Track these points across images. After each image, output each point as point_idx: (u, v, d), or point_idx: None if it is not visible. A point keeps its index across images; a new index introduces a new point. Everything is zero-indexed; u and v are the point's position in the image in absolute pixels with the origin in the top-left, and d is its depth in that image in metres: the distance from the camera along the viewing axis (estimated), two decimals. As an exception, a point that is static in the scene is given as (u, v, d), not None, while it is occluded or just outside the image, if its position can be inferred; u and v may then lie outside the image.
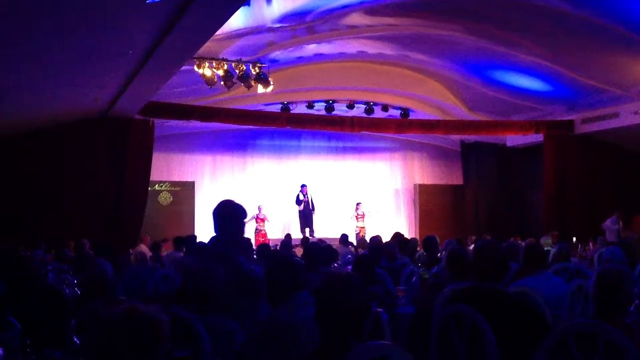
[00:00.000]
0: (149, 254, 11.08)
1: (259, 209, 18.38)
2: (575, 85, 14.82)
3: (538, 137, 17.75)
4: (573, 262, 8.75)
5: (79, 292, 4.72)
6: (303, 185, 18.72)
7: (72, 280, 5.25)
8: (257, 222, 18.29)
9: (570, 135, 17.22)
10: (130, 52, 9.49)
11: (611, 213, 15.12)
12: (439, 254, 9.02)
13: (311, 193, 18.77)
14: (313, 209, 18.63)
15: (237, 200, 4.69)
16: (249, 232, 17.19)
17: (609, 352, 3.18)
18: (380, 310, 4.23)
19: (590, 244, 12.88)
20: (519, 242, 12.82)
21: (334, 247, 10.03)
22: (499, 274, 4.05)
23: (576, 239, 13.82)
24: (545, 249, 11.41)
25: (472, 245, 9.18)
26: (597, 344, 3.19)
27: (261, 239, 17.25)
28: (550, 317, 4.64)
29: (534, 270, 5.49)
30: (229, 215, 4.49)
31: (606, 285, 3.51)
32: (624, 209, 15.17)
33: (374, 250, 7.91)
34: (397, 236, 11.26)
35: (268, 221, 18.44)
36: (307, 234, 17.82)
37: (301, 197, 18.54)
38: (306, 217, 18.50)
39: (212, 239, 4.52)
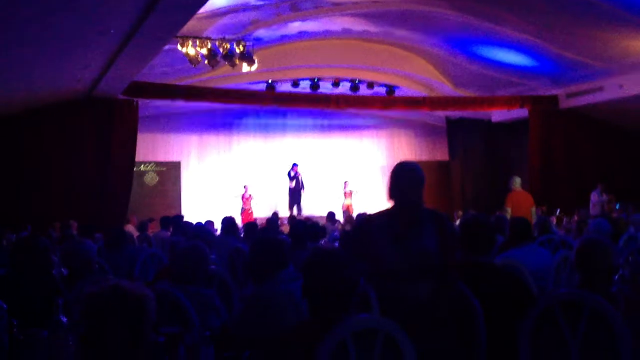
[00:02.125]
0: (136, 233, 11.07)
1: (245, 188, 18.38)
2: (559, 59, 14.84)
3: (523, 112, 17.80)
4: (558, 234, 8.83)
5: (64, 272, 4.71)
6: (294, 164, 18.73)
7: (58, 260, 5.24)
8: (243, 201, 18.29)
9: (555, 109, 17.29)
10: (112, 30, 9.38)
11: (595, 185, 15.25)
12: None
13: (301, 171, 18.79)
14: (303, 187, 18.65)
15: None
16: (236, 211, 17.20)
17: (593, 321, 3.22)
18: (368, 285, 4.26)
19: (575, 216, 12.99)
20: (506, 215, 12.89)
21: (321, 224, 10.05)
22: (486, 248, 4.08)
23: (561, 211, 13.91)
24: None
25: (458, 221, 9.23)
26: (582, 313, 3.23)
27: (247, 218, 17.26)
28: (536, 288, 4.69)
29: (519, 243, 5.54)
30: None
31: (587, 255, 3.54)
32: (609, 182, 15.30)
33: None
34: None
35: (254, 199, 18.45)
36: (295, 212, 17.85)
37: (292, 174, 18.57)
38: (295, 195, 18.53)
39: None
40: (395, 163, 3.96)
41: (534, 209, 12.16)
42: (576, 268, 3.59)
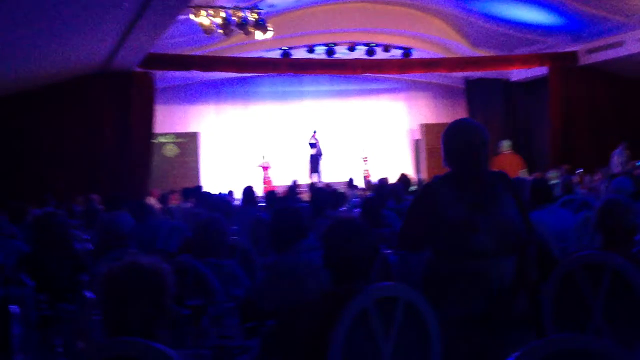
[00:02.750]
0: (158, 206, 11.15)
1: (263, 157, 18.45)
2: (578, 15, 14.59)
3: (542, 71, 17.57)
4: (580, 193, 8.78)
5: (90, 247, 4.78)
6: (314, 132, 18.76)
7: (82, 235, 5.31)
8: (263, 169, 18.39)
9: (575, 66, 17.03)
10: (126, 3, 9.35)
11: (618, 143, 15.07)
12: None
13: (319, 138, 18.78)
14: (321, 154, 18.67)
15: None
16: (257, 180, 17.28)
17: (615, 282, 3.21)
18: (389, 251, 4.27)
19: (597, 175, 12.87)
20: (526, 177, 12.80)
21: (341, 191, 10.06)
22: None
23: (583, 170, 13.79)
24: (553, 182, 11.45)
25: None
26: (604, 275, 3.23)
27: (266, 186, 17.34)
28: (558, 250, 4.68)
29: (540, 204, 5.51)
30: None
31: (608, 216, 3.51)
32: (631, 139, 15.11)
33: (379, 193, 7.93)
34: (403, 177, 11.27)
35: (270, 168, 18.51)
36: (315, 179, 17.90)
37: (312, 141, 18.61)
38: (315, 162, 18.58)
39: None
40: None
41: (523, 171, 11.94)
42: (597, 229, 3.57)
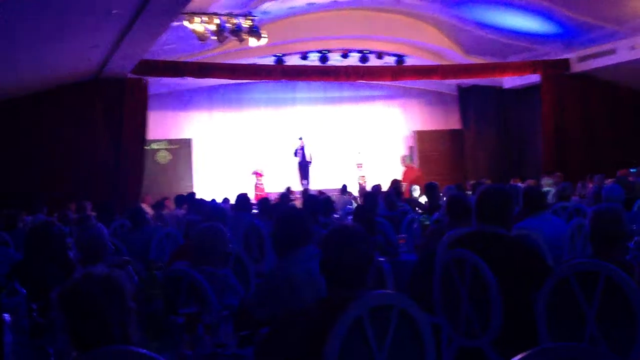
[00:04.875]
0: (151, 212, 11.13)
1: (257, 163, 18.42)
2: (570, 22, 14.66)
3: (535, 78, 17.64)
4: (573, 200, 8.80)
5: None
6: (299, 138, 18.72)
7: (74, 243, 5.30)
8: (257, 176, 18.36)
9: (567, 74, 17.12)
10: (116, 11, 9.34)
11: (610, 151, 15.15)
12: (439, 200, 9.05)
13: (308, 145, 18.71)
14: (309, 160, 18.61)
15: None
16: (249, 187, 17.26)
17: (609, 290, 3.22)
18: (382, 259, 4.27)
19: (589, 183, 12.91)
20: (519, 184, 12.83)
21: (334, 197, 10.07)
22: (503, 219, 3.99)
23: (575, 177, 13.83)
24: (546, 189, 11.49)
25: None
26: (598, 283, 3.23)
27: (260, 194, 17.32)
28: (551, 258, 4.69)
29: (533, 212, 5.52)
30: None
31: (601, 224, 3.53)
32: (623, 146, 15.19)
33: (370, 200, 7.92)
34: (395, 183, 11.30)
35: (264, 175, 18.48)
36: (304, 186, 17.88)
37: (298, 149, 18.56)
38: (303, 169, 18.53)
39: None
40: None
41: (415, 187, 13.12)
42: (589, 237, 3.58)
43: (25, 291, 3.32)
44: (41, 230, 4.32)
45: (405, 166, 14.46)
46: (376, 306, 2.68)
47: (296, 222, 3.68)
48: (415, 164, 19.84)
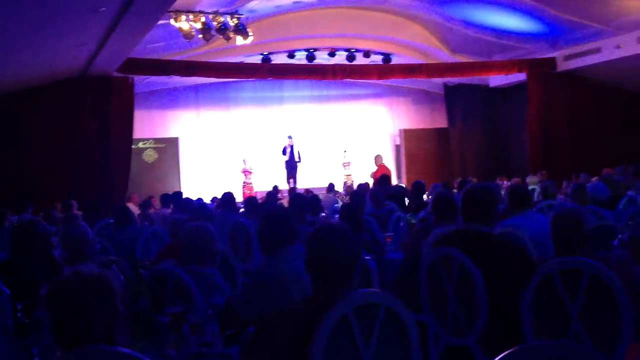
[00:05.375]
0: (137, 212, 11.07)
1: (244, 162, 18.37)
2: (556, 21, 14.73)
3: (521, 77, 17.71)
4: (559, 199, 8.85)
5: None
6: (289, 137, 18.66)
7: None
8: (244, 175, 18.31)
9: (553, 72, 17.19)
10: (102, 8, 9.29)
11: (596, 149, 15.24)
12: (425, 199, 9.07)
13: (296, 144, 18.66)
14: (298, 160, 18.56)
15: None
16: (237, 186, 17.22)
17: (593, 287, 3.25)
18: (368, 257, 4.27)
19: (575, 181, 12.98)
20: (504, 182, 12.90)
21: (321, 196, 10.06)
22: (488, 217, 4.02)
23: (561, 176, 13.91)
24: (531, 187, 11.54)
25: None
26: (581, 279, 3.26)
27: (248, 192, 17.27)
28: (536, 256, 4.71)
29: (519, 210, 5.55)
30: None
31: (563, 225, 3.62)
32: (609, 144, 15.29)
33: (356, 198, 7.92)
34: (383, 178, 11.32)
35: (253, 173, 18.44)
36: (291, 185, 17.85)
37: (287, 148, 18.50)
38: (290, 167, 18.48)
39: None
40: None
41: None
42: (552, 239, 3.66)
43: (9, 291, 3.29)
44: (27, 228, 4.29)
45: (378, 165, 15.28)
46: (362, 305, 2.69)
47: (282, 221, 3.68)
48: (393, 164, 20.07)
